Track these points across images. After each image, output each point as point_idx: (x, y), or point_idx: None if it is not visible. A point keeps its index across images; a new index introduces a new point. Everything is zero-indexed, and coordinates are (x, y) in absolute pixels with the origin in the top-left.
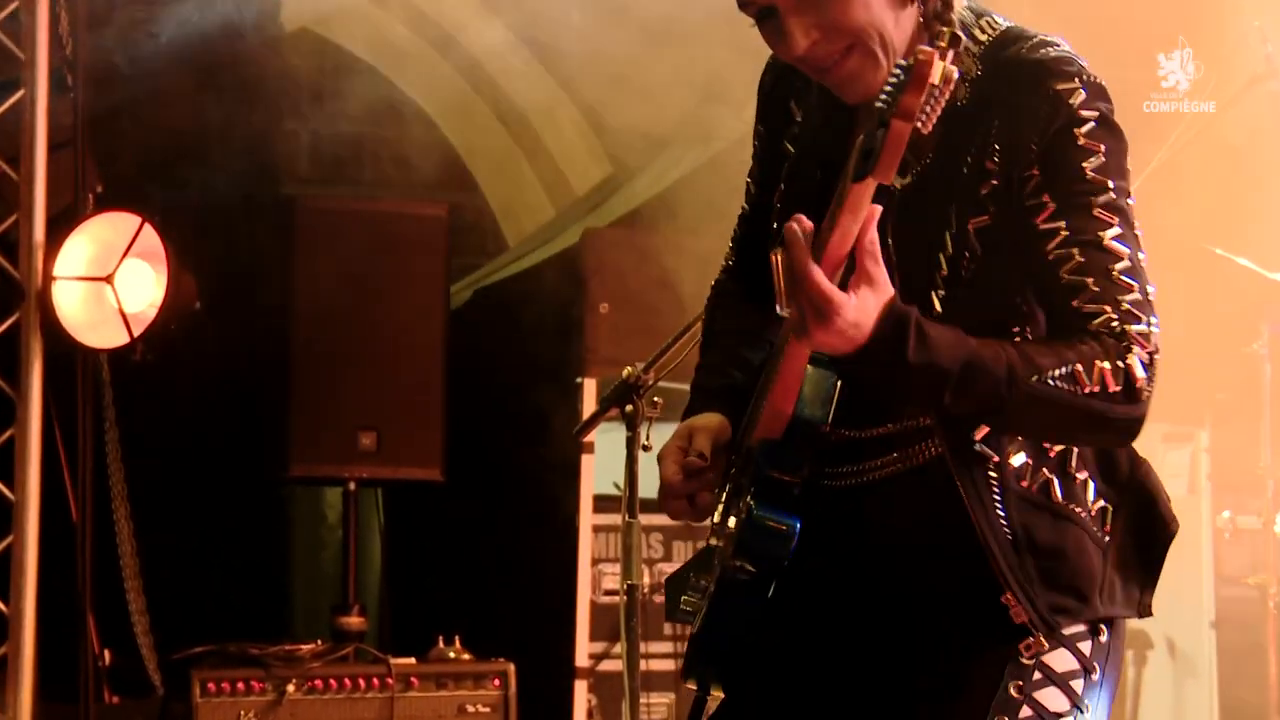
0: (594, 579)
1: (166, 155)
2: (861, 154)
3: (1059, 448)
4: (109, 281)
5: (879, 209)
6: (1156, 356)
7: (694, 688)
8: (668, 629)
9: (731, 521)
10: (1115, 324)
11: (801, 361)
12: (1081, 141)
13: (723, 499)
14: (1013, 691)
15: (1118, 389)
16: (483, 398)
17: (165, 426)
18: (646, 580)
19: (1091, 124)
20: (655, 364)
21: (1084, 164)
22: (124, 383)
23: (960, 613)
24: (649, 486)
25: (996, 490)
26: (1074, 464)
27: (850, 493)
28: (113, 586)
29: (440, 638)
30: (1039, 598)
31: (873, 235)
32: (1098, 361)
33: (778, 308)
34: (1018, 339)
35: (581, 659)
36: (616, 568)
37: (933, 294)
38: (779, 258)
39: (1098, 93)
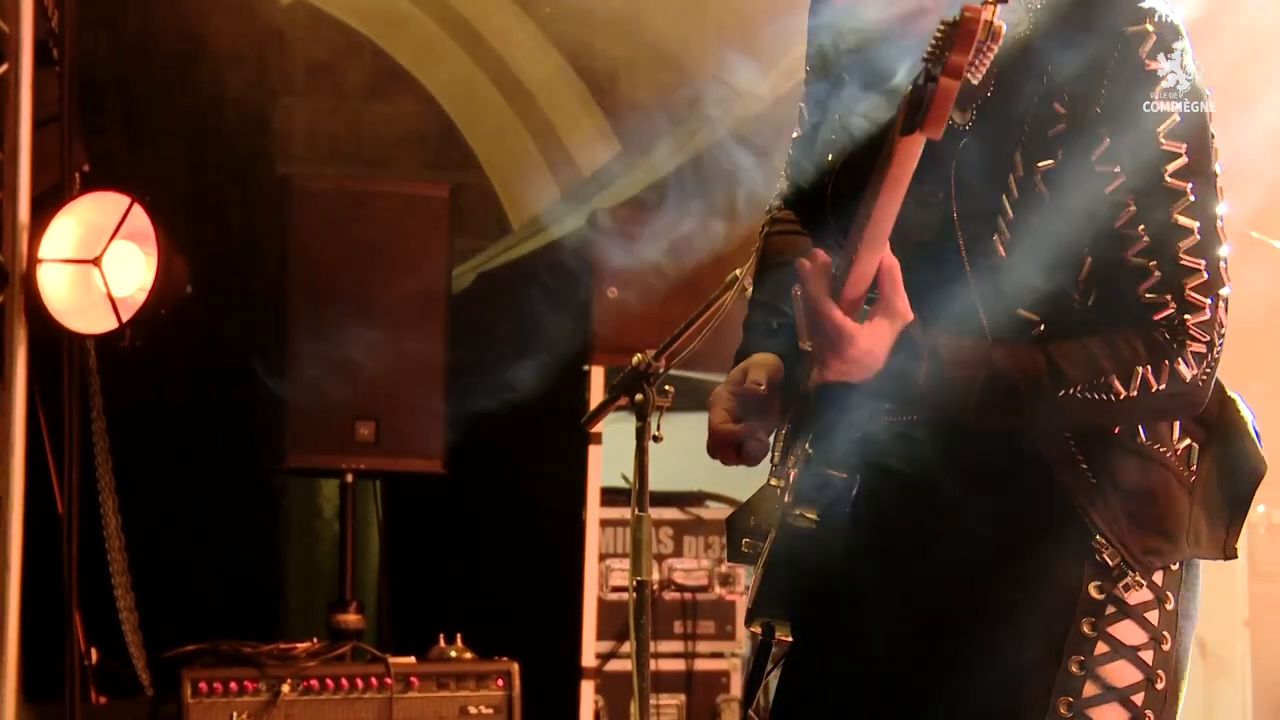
0: (601, 575)
1: (157, 133)
2: (910, 105)
3: None
4: (96, 264)
5: (896, 262)
6: (1217, 340)
7: (758, 632)
8: (678, 627)
9: (791, 466)
10: (1174, 318)
11: (857, 309)
12: (1155, 106)
13: (782, 437)
14: (1085, 629)
15: (1161, 387)
16: (486, 386)
17: (155, 416)
18: (656, 576)
19: (1162, 82)
20: (666, 351)
21: (1157, 130)
22: (112, 370)
23: (1033, 552)
24: (659, 479)
25: (1070, 436)
26: None
27: (915, 432)
28: (100, 582)
29: (441, 636)
30: (1130, 539)
31: (892, 260)
32: (1139, 366)
33: (800, 342)
34: (1050, 331)
35: (588, 658)
36: (625, 563)
37: (995, 239)
38: (797, 293)
39: (1171, 34)
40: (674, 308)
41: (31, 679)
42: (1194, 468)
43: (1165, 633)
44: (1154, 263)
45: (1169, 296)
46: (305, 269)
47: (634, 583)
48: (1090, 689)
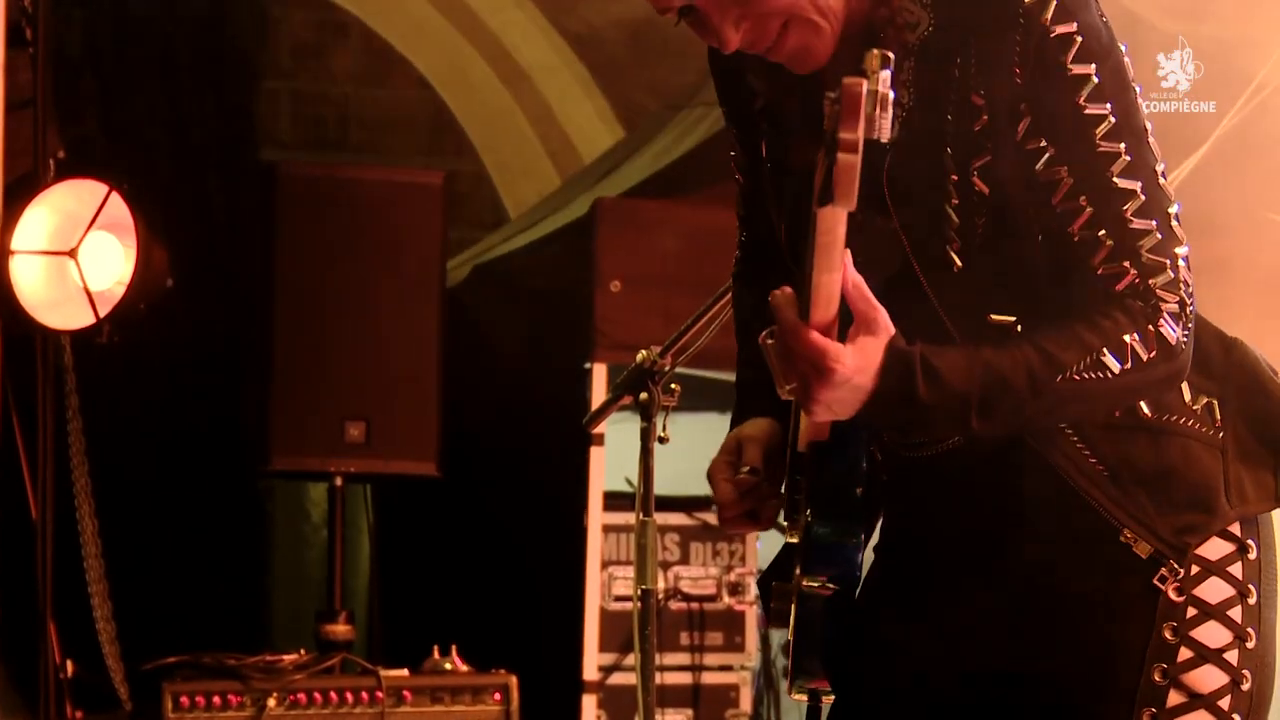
0: (604, 584)
1: (136, 118)
2: (822, 179)
3: None
4: (72, 256)
5: (849, 256)
6: (1188, 298)
7: (803, 699)
8: (684, 638)
9: (799, 525)
10: (1138, 283)
11: None
12: (1070, 71)
13: (790, 496)
14: (1167, 635)
15: (1151, 354)
16: (482, 385)
17: (134, 416)
18: (662, 585)
19: (1075, 45)
20: (673, 347)
21: (1076, 96)
22: (89, 368)
23: (1085, 569)
24: (665, 482)
25: (1070, 430)
26: None
27: (933, 463)
28: (75, 591)
29: (435, 648)
30: (1159, 524)
31: (855, 277)
32: (1125, 336)
33: (779, 391)
34: (1032, 325)
35: (590, 671)
36: (629, 571)
37: (948, 250)
38: (768, 342)
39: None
40: (681, 302)
41: (4, 693)
42: (1219, 423)
43: (1249, 629)
44: (1102, 232)
45: (1126, 263)
46: (292, 261)
47: (638, 592)
48: (1174, 697)
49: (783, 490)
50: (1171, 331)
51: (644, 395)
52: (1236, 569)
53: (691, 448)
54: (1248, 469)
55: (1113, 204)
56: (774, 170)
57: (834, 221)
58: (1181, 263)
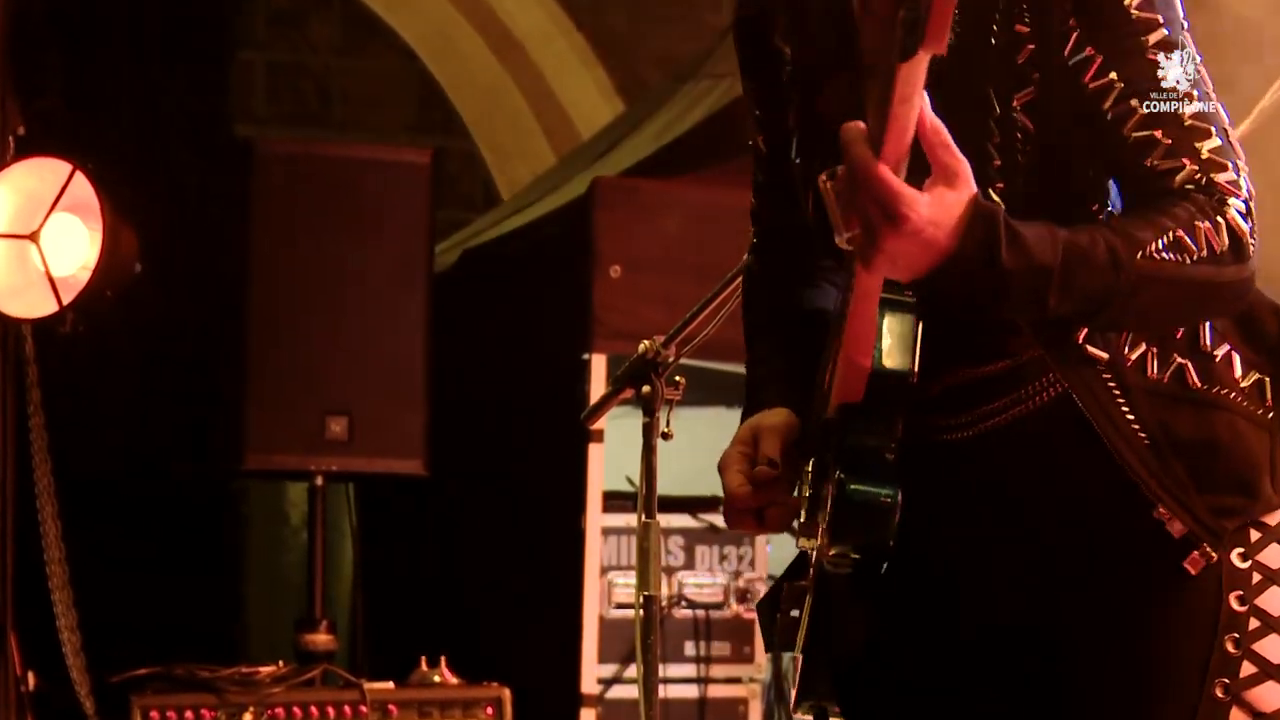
0: (604, 590)
1: (102, 91)
2: (906, 29)
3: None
4: (34, 240)
5: (925, 99)
6: (1253, 205)
7: (809, 718)
8: (690, 649)
9: (821, 514)
10: (1200, 177)
11: (873, 302)
12: None
13: (806, 495)
14: (1234, 604)
15: (1224, 248)
16: (472, 377)
17: (100, 410)
18: (665, 592)
19: None
20: (677, 337)
21: (1126, 4)
22: (51, 359)
23: (1115, 552)
24: (669, 481)
25: (1117, 392)
26: (1207, 340)
27: (969, 445)
28: (38, 598)
29: (423, 659)
30: (1195, 503)
31: (934, 121)
32: (1197, 222)
33: (836, 239)
34: (1101, 220)
35: (589, 684)
36: (630, 577)
37: (990, 191)
38: (827, 184)
39: None
40: (686, 288)
41: None
42: (1269, 401)
43: None
44: (1158, 131)
45: (1185, 160)
46: (268, 245)
47: (640, 599)
48: (1237, 715)
49: (800, 485)
50: (1243, 224)
51: (646, 388)
52: None
53: (697, 444)
54: None
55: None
56: (804, 138)
57: (915, 80)
58: (1244, 174)
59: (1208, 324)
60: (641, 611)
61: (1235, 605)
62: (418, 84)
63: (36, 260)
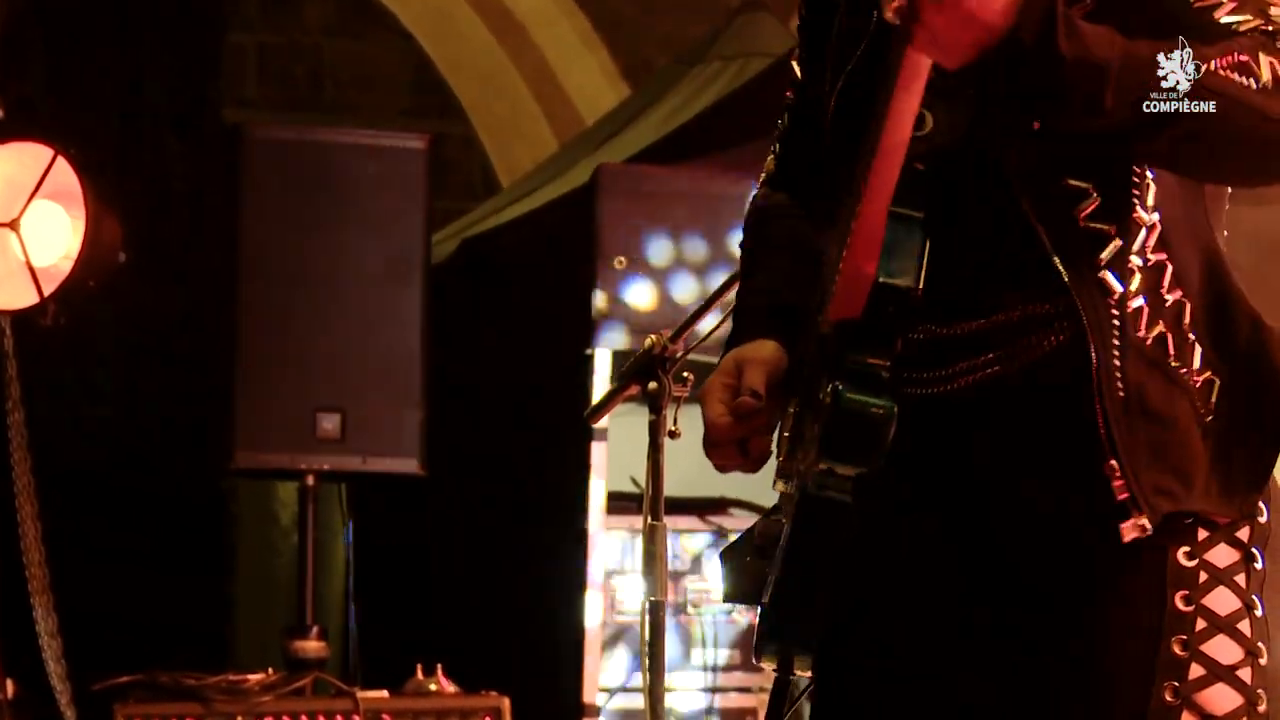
0: (607, 595)
1: (85, 73)
2: None
3: (1173, 299)
4: (13, 228)
5: None
6: None
7: (772, 667)
8: (696, 657)
9: (806, 449)
10: (1267, 26)
11: (889, 183)
12: None
13: (788, 435)
14: (1179, 604)
15: None
16: (471, 373)
17: (82, 406)
18: (672, 597)
19: None
20: (685, 331)
21: None
22: (32, 352)
23: (1091, 523)
24: (676, 482)
25: (1117, 334)
26: (1188, 319)
27: (932, 403)
28: (17, 602)
29: (419, 667)
30: (1143, 473)
31: None
32: (1264, 55)
33: (884, 11)
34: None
35: (591, 694)
36: (635, 581)
37: None
38: None
39: None
40: (693, 281)
41: None
42: (1212, 405)
43: (1255, 597)
44: None
45: (1250, 14)
46: (258, 234)
47: (646, 604)
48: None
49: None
50: None
51: (652, 385)
52: (1241, 579)
53: None
54: (1223, 467)
55: None
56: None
57: None
58: None
59: (1188, 306)
60: (647, 617)
61: (1181, 605)
62: (414, 66)
63: (16, 249)
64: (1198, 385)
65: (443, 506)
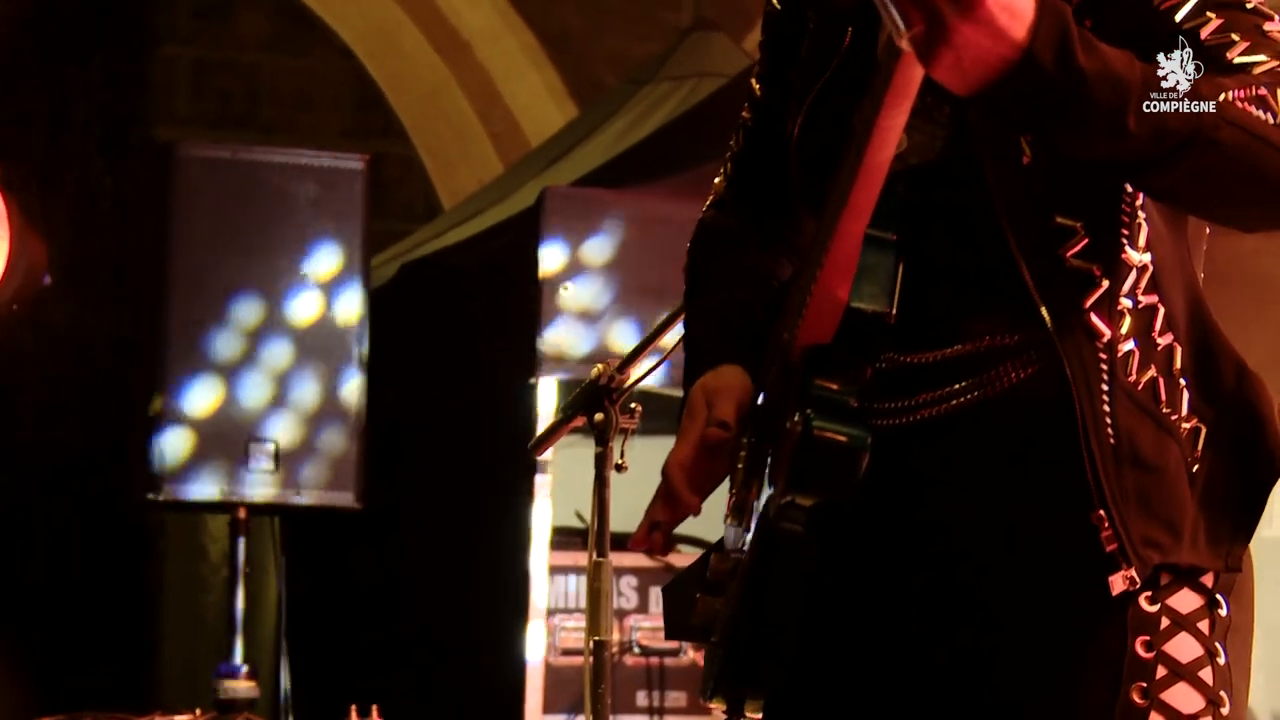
0: (550, 635)
1: (9, 87)
2: None
3: (1165, 342)
4: None
5: None
6: None
7: (722, 709)
8: (642, 699)
9: (766, 480)
10: (1253, 54)
11: (868, 202)
12: None
13: (741, 467)
14: (1135, 697)
15: None
16: (411, 402)
17: (3, 433)
18: (617, 637)
19: None
20: (634, 360)
21: None
22: None
23: (1056, 561)
24: (622, 517)
25: (1105, 379)
26: (1179, 364)
27: (901, 434)
28: None
29: (353, 708)
30: (1132, 523)
31: None
32: (1279, 89)
33: (895, 40)
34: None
35: None
36: (579, 621)
37: (1021, 140)
38: None
39: None
40: (642, 308)
41: None
42: (1198, 453)
43: (1217, 644)
44: (1235, 35)
45: (1265, 55)
46: (190, 256)
47: (590, 644)
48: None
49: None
50: None
51: (599, 416)
52: (1205, 625)
53: (653, 477)
54: (1208, 517)
55: (1244, 18)
56: (817, 46)
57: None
58: None
59: (1178, 349)
60: (591, 658)
61: (1141, 651)
62: (354, 84)
63: None
64: (1185, 432)
65: (379, 542)
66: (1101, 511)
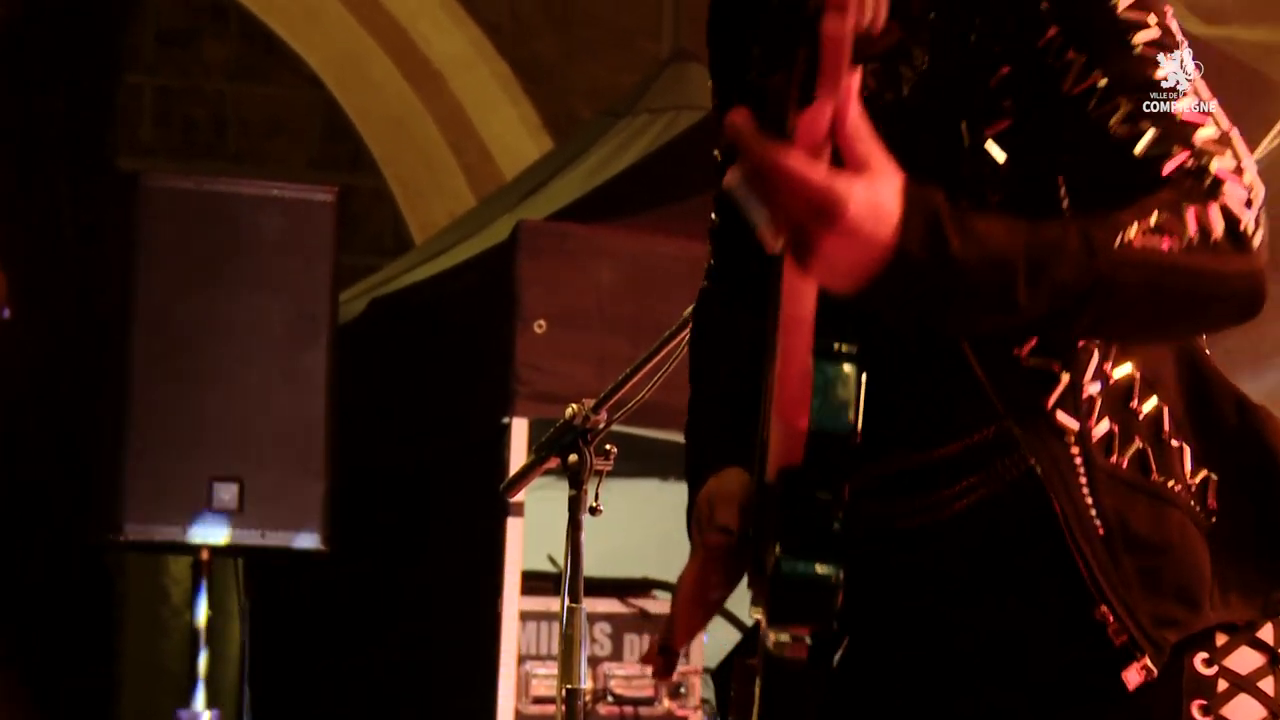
0: (521, 682)
1: None
2: (805, 75)
3: (1149, 409)
4: None
5: (855, 80)
6: (1256, 197)
7: None
8: None
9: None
10: (1192, 163)
11: (804, 335)
12: None
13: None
14: (1196, 714)
15: (1219, 235)
16: (379, 441)
17: None
18: (589, 685)
19: None
20: (609, 401)
21: (1113, 2)
22: None
23: (1074, 670)
24: (596, 562)
25: (1082, 470)
26: (1168, 427)
27: (926, 533)
28: None
29: None
30: (1139, 607)
31: (854, 113)
32: (1186, 207)
33: (767, 245)
34: None
35: None
36: (551, 668)
37: None
38: (736, 184)
39: None
40: (618, 347)
41: None
42: (1211, 504)
43: None
44: (1145, 123)
45: (1176, 147)
46: (154, 289)
47: (562, 692)
48: None
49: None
50: (1241, 211)
51: (573, 457)
52: (1268, 684)
53: (628, 521)
54: (1237, 567)
55: (1159, 101)
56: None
57: (814, 128)
58: (1248, 164)
59: (1166, 412)
60: (563, 706)
61: (1198, 716)
62: (323, 114)
63: None
64: (1194, 487)
65: (345, 585)
66: (1103, 606)
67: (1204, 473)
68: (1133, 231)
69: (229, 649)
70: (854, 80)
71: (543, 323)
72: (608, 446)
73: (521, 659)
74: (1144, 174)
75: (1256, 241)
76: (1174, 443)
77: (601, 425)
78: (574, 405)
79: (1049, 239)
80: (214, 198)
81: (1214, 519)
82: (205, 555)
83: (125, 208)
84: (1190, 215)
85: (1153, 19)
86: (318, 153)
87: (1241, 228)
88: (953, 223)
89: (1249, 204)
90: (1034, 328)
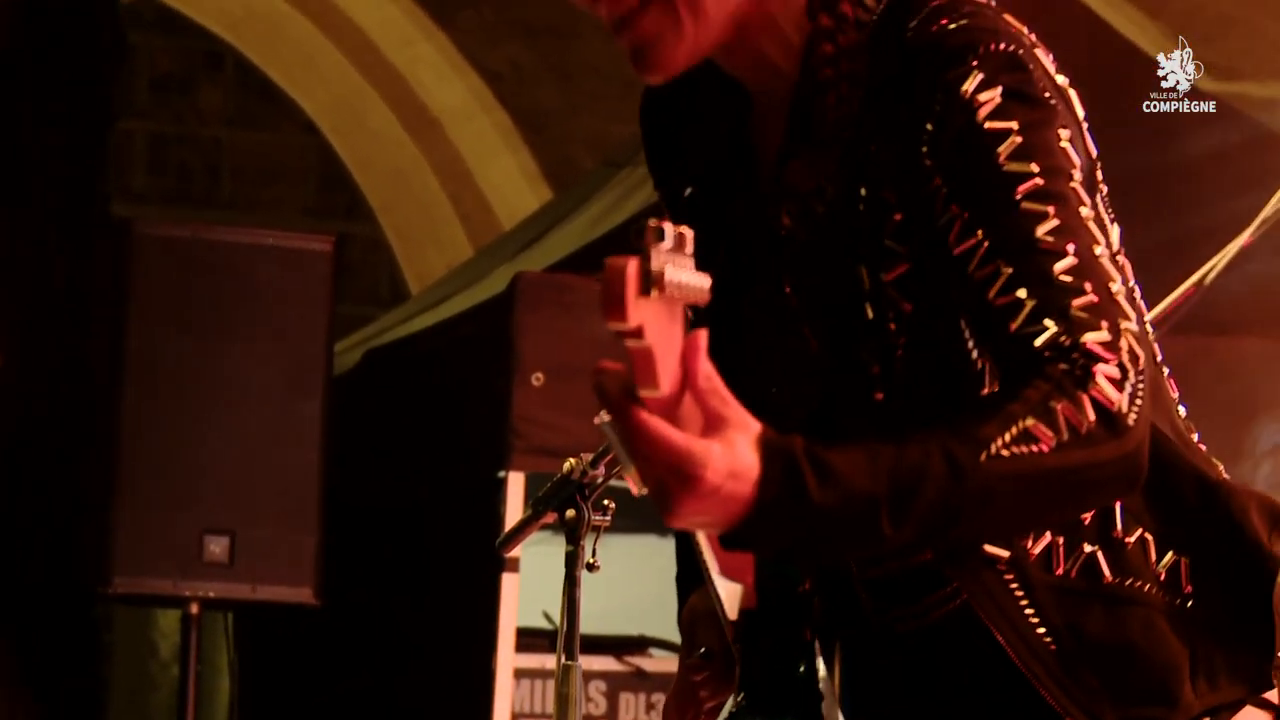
0: None
1: None
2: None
3: (1094, 511)
4: None
5: (702, 337)
6: (1132, 364)
7: None
8: None
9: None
10: (1064, 339)
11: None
12: (986, 127)
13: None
14: None
15: (1091, 426)
16: (373, 495)
17: None
18: None
19: (994, 104)
20: (607, 455)
21: (995, 152)
22: None
23: None
24: (592, 619)
25: (1020, 593)
26: (1120, 525)
27: (918, 637)
28: None
29: None
30: (1107, 716)
31: (706, 370)
32: (1053, 403)
33: (632, 487)
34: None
35: None
36: None
37: (867, 380)
38: (605, 421)
39: (1002, 65)
40: None
41: None
42: (1187, 588)
43: None
44: (1023, 291)
45: (1048, 321)
46: (146, 339)
47: None
48: None
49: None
50: (1112, 394)
51: (570, 512)
52: (1274, 695)
53: (626, 577)
54: (1222, 647)
55: (1035, 262)
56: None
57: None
58: (1125, 327)
59: (1119, 507)
60: None
61: None
62: (319, 161)
63: None
64: (1162, 576)
65: (337, 640)
66: None
67: (1171, 557)
68: (999, 443)
69: (217, 704)
70: (701, 338)
71: (540, 376)
72: (606, 502)
73: (516, 717)
74: (1020, 351)
75: (1132, 419)
76: (1130, 538)
77: (599, 480)
78: (572, 460)
79: (912, 464)
80: (208, 246)
81: (1190, 603)
82: (195, 609)
83: (117, 255)
84: (1058, 414)
85: (1035, 166)
86: (314, 201)
87: (1115, 410)
88: (812, 469)
89: (1120, 381)
90: (909, 551)
